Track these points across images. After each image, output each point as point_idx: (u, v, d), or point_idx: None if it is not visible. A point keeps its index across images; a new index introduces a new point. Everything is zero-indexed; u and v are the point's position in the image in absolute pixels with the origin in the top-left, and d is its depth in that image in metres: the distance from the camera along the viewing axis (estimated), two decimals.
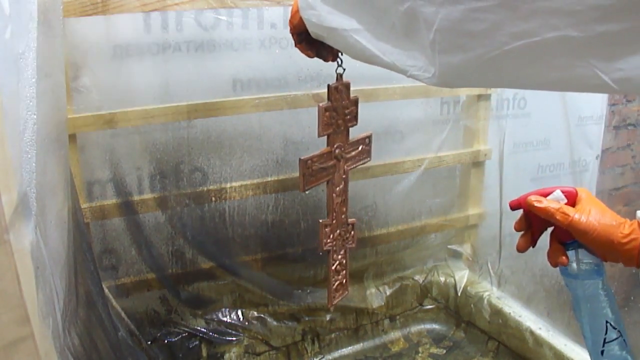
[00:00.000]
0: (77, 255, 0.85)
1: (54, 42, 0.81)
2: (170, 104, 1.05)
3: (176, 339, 1.18)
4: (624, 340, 0.65)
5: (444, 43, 0.40)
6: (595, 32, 0.31)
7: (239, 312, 1.25)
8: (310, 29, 0.62)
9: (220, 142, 1.15)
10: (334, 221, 0.75)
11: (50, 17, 0.78)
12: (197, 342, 1.19)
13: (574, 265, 0.64)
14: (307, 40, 0.69)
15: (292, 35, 0.70)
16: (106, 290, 1.05)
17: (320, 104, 0.71)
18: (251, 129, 1.17)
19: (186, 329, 1.19)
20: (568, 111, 1.51)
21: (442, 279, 1.43)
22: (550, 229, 0.65)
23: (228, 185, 1.16)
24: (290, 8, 0.67)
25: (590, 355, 0.65)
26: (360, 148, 0.77)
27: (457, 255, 1.48)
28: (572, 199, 0.63)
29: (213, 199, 1.15)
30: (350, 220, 0.78)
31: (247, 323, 1.24)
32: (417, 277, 1.43)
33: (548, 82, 0.36)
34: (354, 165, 0.76)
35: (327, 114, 0.71)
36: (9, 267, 0.50)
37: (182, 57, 1.08)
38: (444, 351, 1.33)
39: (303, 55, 0.72)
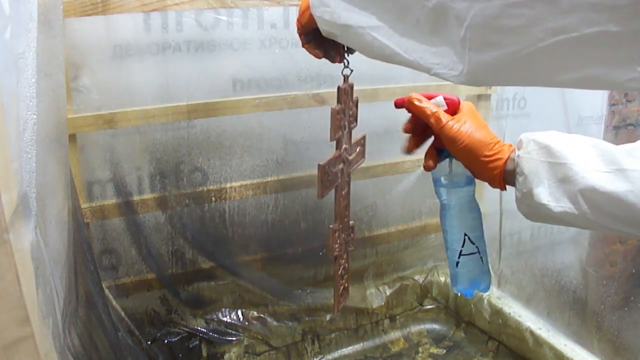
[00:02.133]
0: (77, 255, 0.85)
1: (54, 42, 0.81)
2: (170, 104, 1.05)
3: (176, 339, 1.18)
4: (482, 258, 0.66)
5: (475, 40, 0.39)
6: (637, 28, 0.30)
7: (239, 312, 1.25)
8: (322, 27, 0.60)
9: (220, 142, 1.15)
10: (340, 226, 0.74)
11: (50, 17, 0.78)
12: (197, 342, 1.19)
13: (445, 171, 0.66)
14: (315, 40, 0.67)
15: (300, 35, 0.68)
16: (106, 290, 1.05)
17: (332, 107, 0.70)
18: (251, 129, 1.17)
19: (186, 329, 1.19)
20: (568, 111, 1.51)
21: (442, 279, 1.43)
22: None
23: (228, 185, 1.16)
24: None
25: (449, 264, 0.66)
26: (358, 149, 0.76)
27: None
28: (453, 108, 0.64)
29: (213, 199, 1.15)
30: (350, 222, 0.77)
31: (247, 323, 1.24)
32: (417, 277, 1.43)
33: (584, 79, 0.35)
34: (354, 168, 0.76)
35: (338, 116, 0.70)
36: (9, 267, 0.50)
37: (182, 57, 1.08)
38: (444, 351, 1.33)
39: (303, 55, 0.71)
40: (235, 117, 1.13)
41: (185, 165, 1.14)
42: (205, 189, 1.15)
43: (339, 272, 0.76)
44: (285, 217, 1.25)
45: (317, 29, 0.63)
